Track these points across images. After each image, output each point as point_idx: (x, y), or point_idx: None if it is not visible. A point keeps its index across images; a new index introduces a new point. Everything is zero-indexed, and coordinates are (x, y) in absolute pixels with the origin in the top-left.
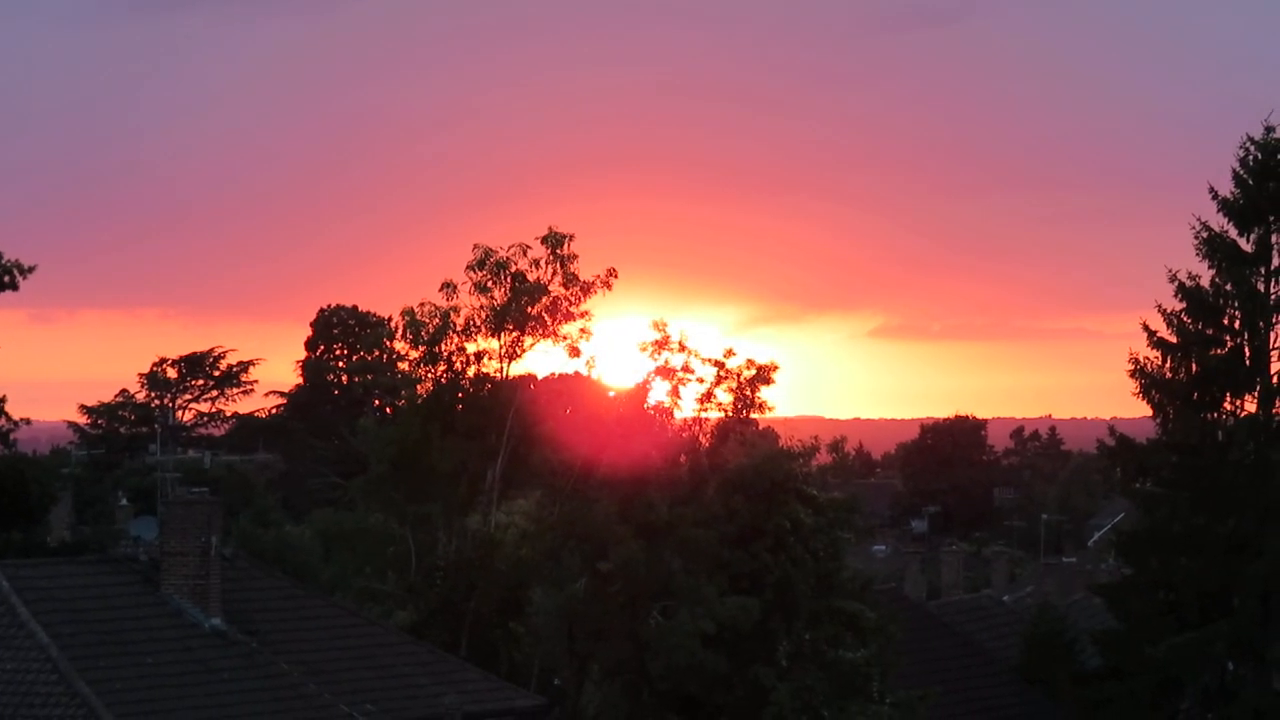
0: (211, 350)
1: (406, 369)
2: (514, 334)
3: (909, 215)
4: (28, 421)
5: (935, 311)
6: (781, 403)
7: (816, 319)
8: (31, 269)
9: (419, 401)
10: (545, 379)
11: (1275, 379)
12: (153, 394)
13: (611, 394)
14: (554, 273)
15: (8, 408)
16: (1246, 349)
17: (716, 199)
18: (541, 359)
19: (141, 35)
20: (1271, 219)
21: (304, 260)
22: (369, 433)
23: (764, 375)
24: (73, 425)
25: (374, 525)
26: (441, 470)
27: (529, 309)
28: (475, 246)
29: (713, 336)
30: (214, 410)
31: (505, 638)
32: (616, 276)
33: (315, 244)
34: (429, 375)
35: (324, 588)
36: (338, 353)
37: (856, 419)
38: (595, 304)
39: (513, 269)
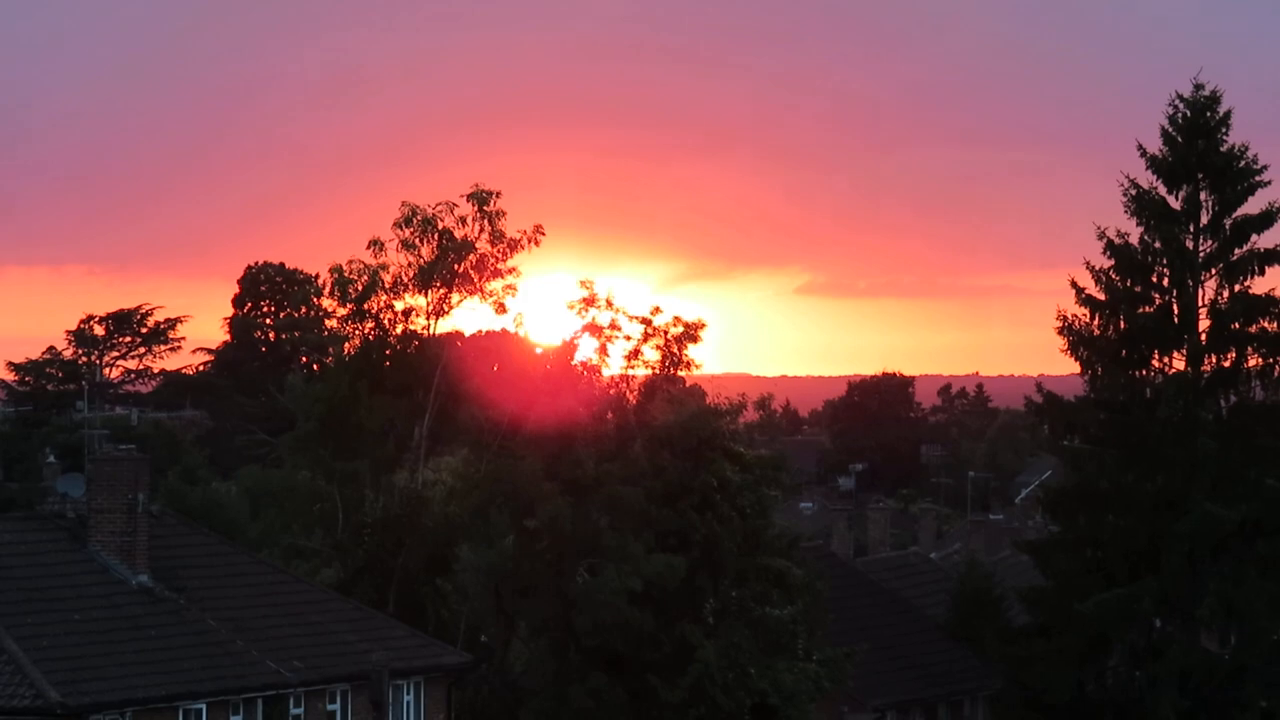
0: (139, 307)
1: (334, 326)
2: (441, 291)
3: (835, 171)
4: None
5: (862, 269)
6: (709, 360)
7: (743, 276)
8: None
9: (347, 359)
10: (473, 336)
11: (1203, 337)
12: (80, 351)
13: (539, 351)
14: (481, 230)
15: None
16: (1175, 306)
17: (643, 155)
18: (469, 316)
19: None
20: (1200, 176)
21: (231, 217)
22: (296, 390)
23: (691, 333)
24: (0, 382)
25: (301, 482)
26: (369, 427)
27: (456, 266)
28: (403, 204)
29: (640, 293)
30: (141, 367)
31: (433, 595)
32: (544, 234)
33: (242, 200)
34: (357, 332)
35: (251, 545)
36: (265, 310)
37: (784, 376)
38: (522, 261)
39: (440, 226)
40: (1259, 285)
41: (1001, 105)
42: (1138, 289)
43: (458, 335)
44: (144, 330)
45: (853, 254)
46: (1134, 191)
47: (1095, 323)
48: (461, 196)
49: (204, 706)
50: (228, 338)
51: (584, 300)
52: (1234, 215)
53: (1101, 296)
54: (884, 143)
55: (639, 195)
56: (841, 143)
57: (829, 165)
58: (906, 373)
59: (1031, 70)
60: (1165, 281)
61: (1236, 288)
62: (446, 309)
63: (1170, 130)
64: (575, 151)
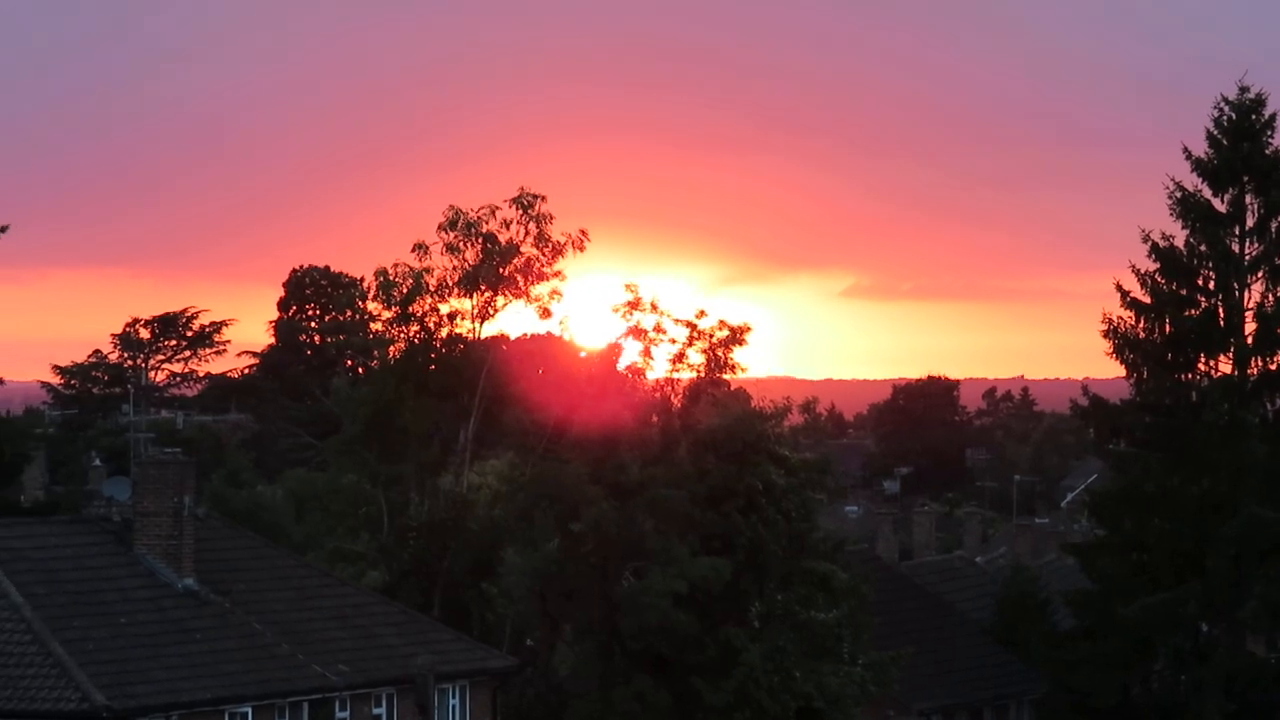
0: (184, 310)
1: (379, 329)
2: (486, 295)
3: (880, 175)
4: (0, 381)
5: (907, 271)
6: (754, 363)
7: (788, 279)
8: (3, 229)
9: (392, 362)
10: (518, 340)
11: (1249, 339)
12: (126, 354)
13: (584, 354)
14: (526, 233)
15: None
16: (1220, 309)
17: (689, 160)
18: (514, 320)
19: None
20: (1246, 179)
21: (277, 220)
22: (341, 393)
23: (736, 336)
24: (46, 385)
25: (346, 485)
26: (414, 431)
27: (501, 270)
28: (448, 208)
29: (685, 296)
30: (187, 371)
31: (478, 598)
32: (588, 238)
33: (288, 204)
34: (402, 336)
35: (296, 548)
36: (310, 313)
37: (829, 379)
38: (567, 265)
39: (484, 230)
40: None
41: (1047, 107)
42: (1183, 292)
43: (503, 338)
44: (189, 333)
45: (897, 257)
46: (1179, 194)
47: (1141, 326)
48: (506, 201)
49: (249, 710)
50: (273, 341)
51: (629, 304)
52: (1279, 218)
53: (1147, 300)
54: (927, 147)
55: (685, 200)
56: (885, 148)
57: (874, 170)
58: (951, 376)
59: (1078, 73)
60: (1211, 285)
61: None
62: (491, 312)
63: (1215, 133)
64: (621, 157)
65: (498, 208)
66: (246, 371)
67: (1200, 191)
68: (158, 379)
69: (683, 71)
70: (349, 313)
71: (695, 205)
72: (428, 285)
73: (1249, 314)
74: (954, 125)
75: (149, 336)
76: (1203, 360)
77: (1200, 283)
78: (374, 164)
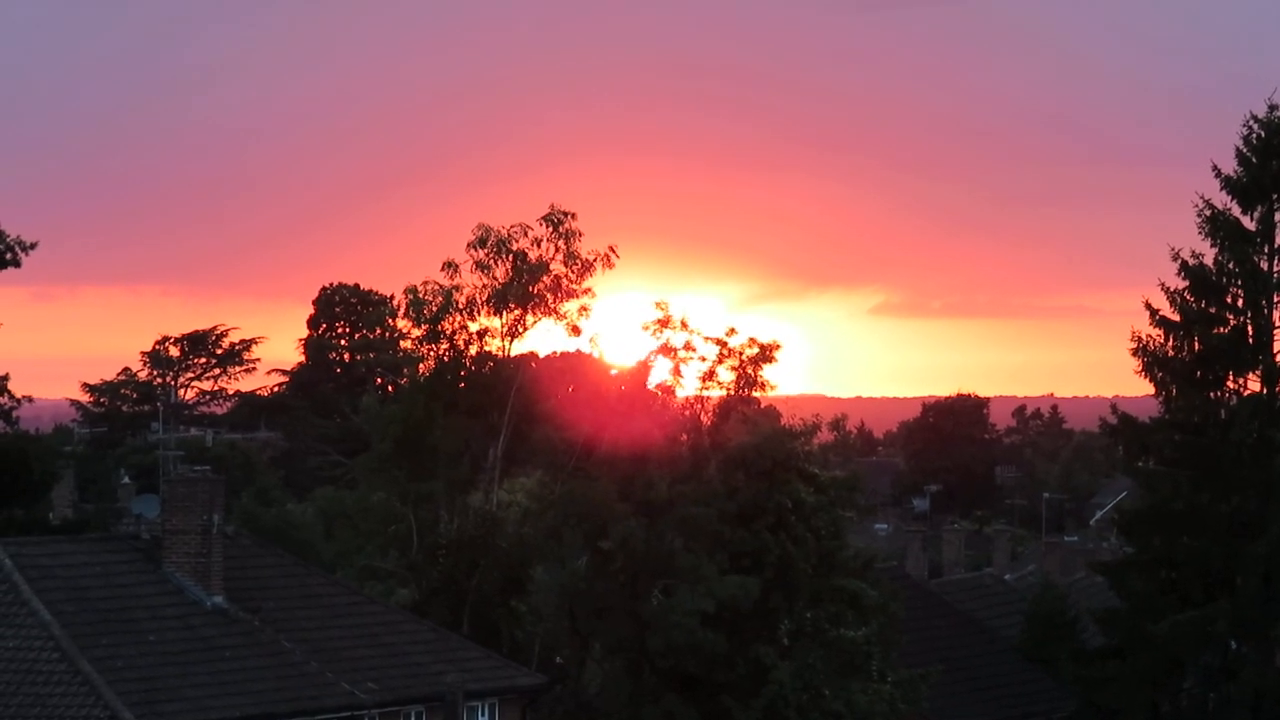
0: (214, 328)
1: (409, 347)
2: (516, 312)
3: (910, 192)
4: (30, 399)
5: (936, 289)
6: (783, 381)
7: (818, 296)
8: (33, 246)
9: (421, 380)
10: (547, 357)
11: (1278, 358)
12: (155, 372)
13: (613, 372)
14: (555, 251)
15: (10, 385)
16: (1249, 327)
17: (718, 177)
18: (543, 337)
19: (141, 10)
20: (1275, 197)
21: (307, 238)
22: (371, 411)
23: (766, 354)
24: (75, 403)
25: (376, 503)
26: (444, 448)
27: (531, 288)
28: (477, 226)
29: (714, 313)
30: (216, 388)
31: (507, 616)
32: (618, 255)
33: (318, 222)
34: (431, 353)
35: (326, 566)
36: (340, 331)
37: (858, 397)
38: (597, 282)
39: (514, 247)
40: None
41: (1078, 124)
42: (1212, 310)
43: (532, 356)
44: (219, 351)
45: (927, 274)
46: (1209, 212)
47: (1170, 344)
48: (536, 219)
49: None
50: (302, 359)
51: (658, 322)
52: None
53: (1176, 317)
54: (956, 165)
55: (713, 217)
56: (914, 166)
57: (903, 187)
58: (981, 394)
59: (1105, 91)
60: (1240, 302)
61: None
62: (521, 330)
63: (1245, 150)
64: (650, 174)
65: (528, 226)
66: (276, 389)
67: (1230, 209)
68: (187, 397)
69: (711, 88)
70: (379, 330)
71: (725, 222)
72: (457, 303)
73: (1278, 332)
74: (984, 142)
75: (178, 354)
76: (1231, 378)
77: (1229, 300)
78: (405, 182)
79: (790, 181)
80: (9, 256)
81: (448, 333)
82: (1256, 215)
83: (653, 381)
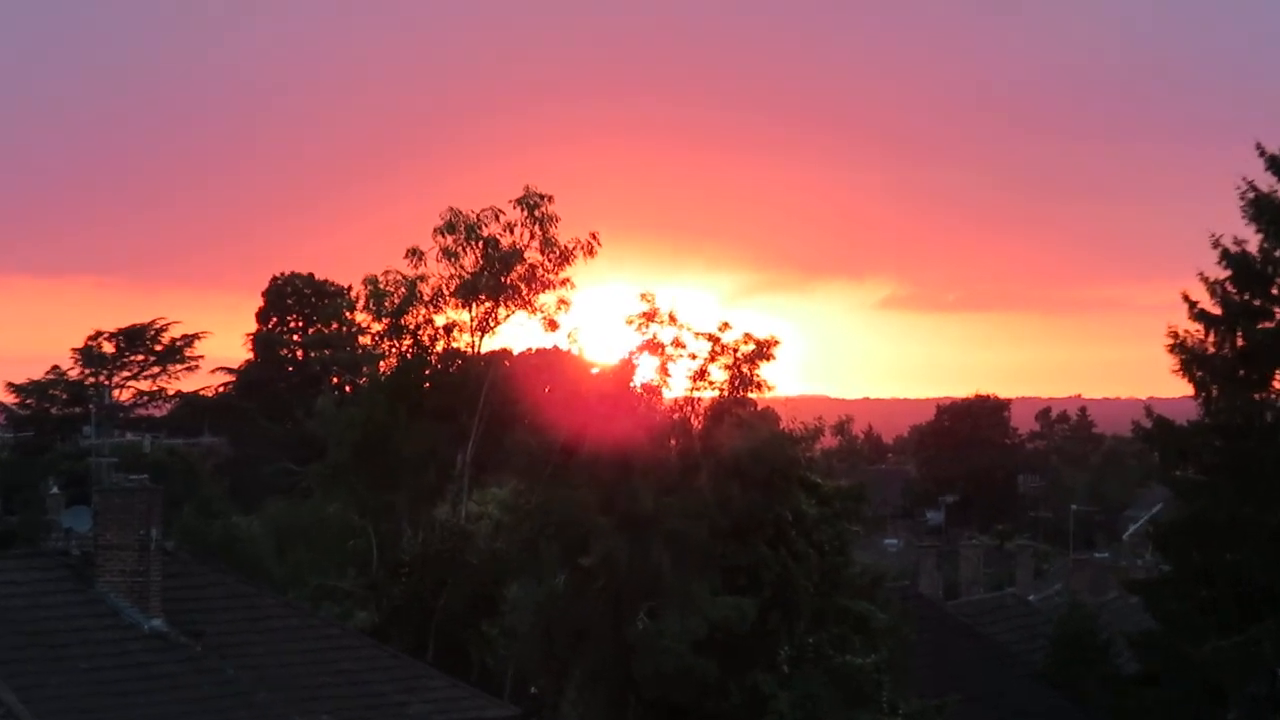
0: (152, 322)
1: (369, 343)
2: (487, 305)
3: (919, 175)
4: None
5: (951, 280)
6: (782, 381)
7: (820, 288)
8: None
9: (382, 379)
10: (522, 354)
11: None
12: (87, 371)
13: (594, 371)
14: (531, 237)
15: None
16: None
17: (708, 162)
18: (517, 332)
19: None
20: None
21: (257, 225)
22: (327, 414)
23: (763, 350)
24: None
25: (332, 516)
26: (407, 455)
27: (503, 277)
28: (447, 210)
29: (706, 307)
30: (155, 389)
31: (477, 640)
32: (599, 242)
33: (266, 206)
34: (394, 350)
35: (277, 586)
36: (292, 325)
37: (865, 398)
38: (576, 272)
39: (485, 233)
40: None
41: (1103, 102)
42: (1257, 302)
43: (505, 354)
44: (158, 348)
45: (941, 264)
46: (1252, 195)
47: (1210, 340)
48: (510, 202)
49: None
50: (250, 356)
51: (644, 315)
52: None
53: (1217, 311)
54: (973, 144)
55: (704, 200)
56: (931, 142)
57: (914, 168)
58: (1001, 395)
59: (1137, 64)
60: None
61: None
62: (492, 324)
63: None
64: (633, 152)
65: (500, 210)
66: (221, 390)
67: (1276, 191)
68: (122, 398)
69: (697, 63)
70: (335, 325)
71: (716, 210)
72: (422, 294)
73: None
74: (1001, 124)
75: (113, 351)
76: (1278, 377)
77: (1275, 292)
78: (367, 167)
79: (788, 163)
80: None
81: (411, 327)
82: None
83: (638, 381)
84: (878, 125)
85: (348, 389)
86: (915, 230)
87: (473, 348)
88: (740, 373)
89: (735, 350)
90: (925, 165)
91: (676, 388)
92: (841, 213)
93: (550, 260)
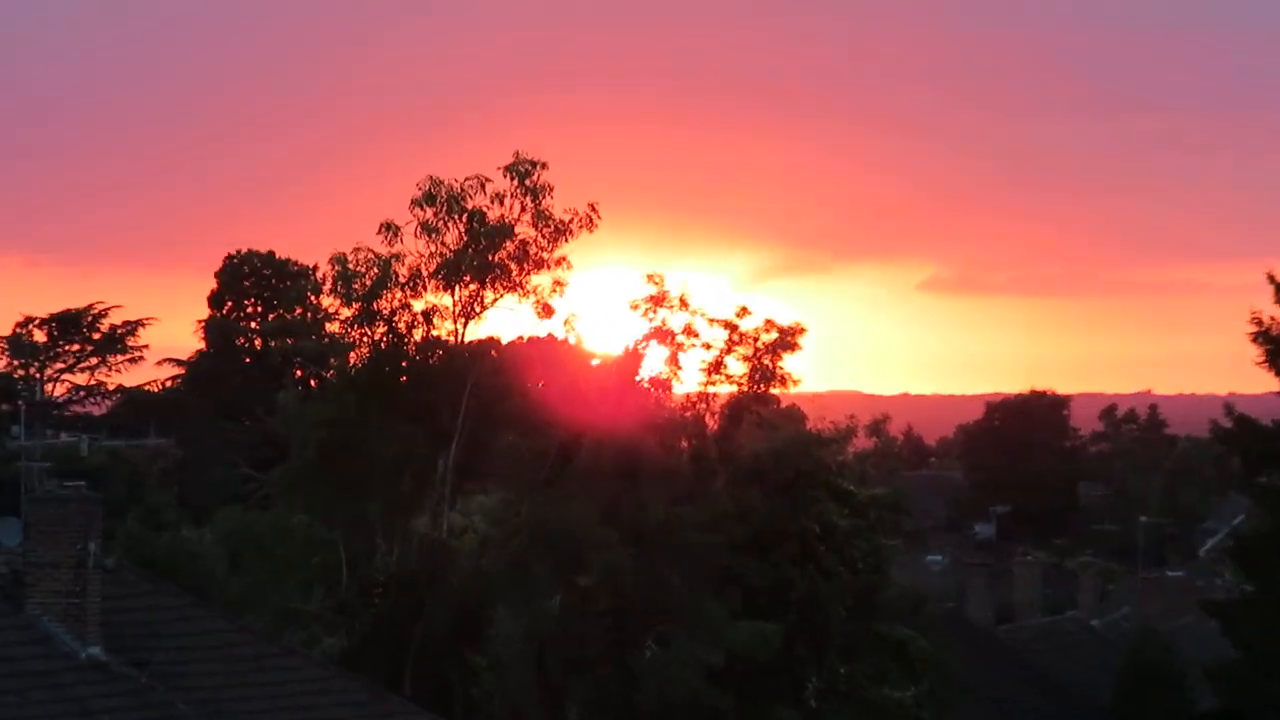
0: (90, 307)
1: (337, 331)
2: (472, 287)
3: (967, 141)
4: None
5: (1001, 260)
6: (809, 374)
7: (851, 269)
8: None
9: (353, 372)
10: (511, 344)
11: None
12: (15, 362)
13: (595, 363)
14: (521, 210)
15: None
16: None
17: (723, 123)
18: (506, 319)
19: None
20: None
21: (209, 197)
22: (290, 412)
23: (787, 339)
24: None
25: (296, 528)
26: (381, 459)
27: (490, 256)
28: (426, 179)
29: (722, 291)
30: (93, 383)
31: (460, 669)
32: (600, 216)
33: (222, 177)
34: (365, 339)
35: (232, 607)
36: (250, 310)
37: (904, 394)
38: (574, 249)
39: (469, 205)
40: None
41: (1174, 67)
42: None
43: (492, 343)
44: (96, 336)
45: (990, 241)
46: None
47: None
48: (498, 169)
49: None
50: (202, 346)
51: (652, 299)
52: None
53: None
54: (1027, 107)
55: (719, 172)
56: (972, 108)
57: (959, 134)
58: (1060, 391)
59: (1209, 28)
60: None
61: None
62: (478, 309)
63: None
64: (638, 119)
65: (487, 179)
66: (169, 384)
67: None
68: (56, 393)
69: (709, 32)
70: (299, 310)
71: (733, 183)
72: (398, 275)
73: None
74: (1058, 82)
75: (45, 340)
76: None
77: None
78: (340, 139)
79: (815, 129)
80: None
81: (386, 313)
82: None
83: (644, 375)
84: (917, 89)
85: (313, 383)
86: (960, 204)
87: (456, 336)
88: (761, 365)
89: (755, 339)
90: (973, 132)
91: (688, 382)
92: (873, 184)
93: (544, 236)
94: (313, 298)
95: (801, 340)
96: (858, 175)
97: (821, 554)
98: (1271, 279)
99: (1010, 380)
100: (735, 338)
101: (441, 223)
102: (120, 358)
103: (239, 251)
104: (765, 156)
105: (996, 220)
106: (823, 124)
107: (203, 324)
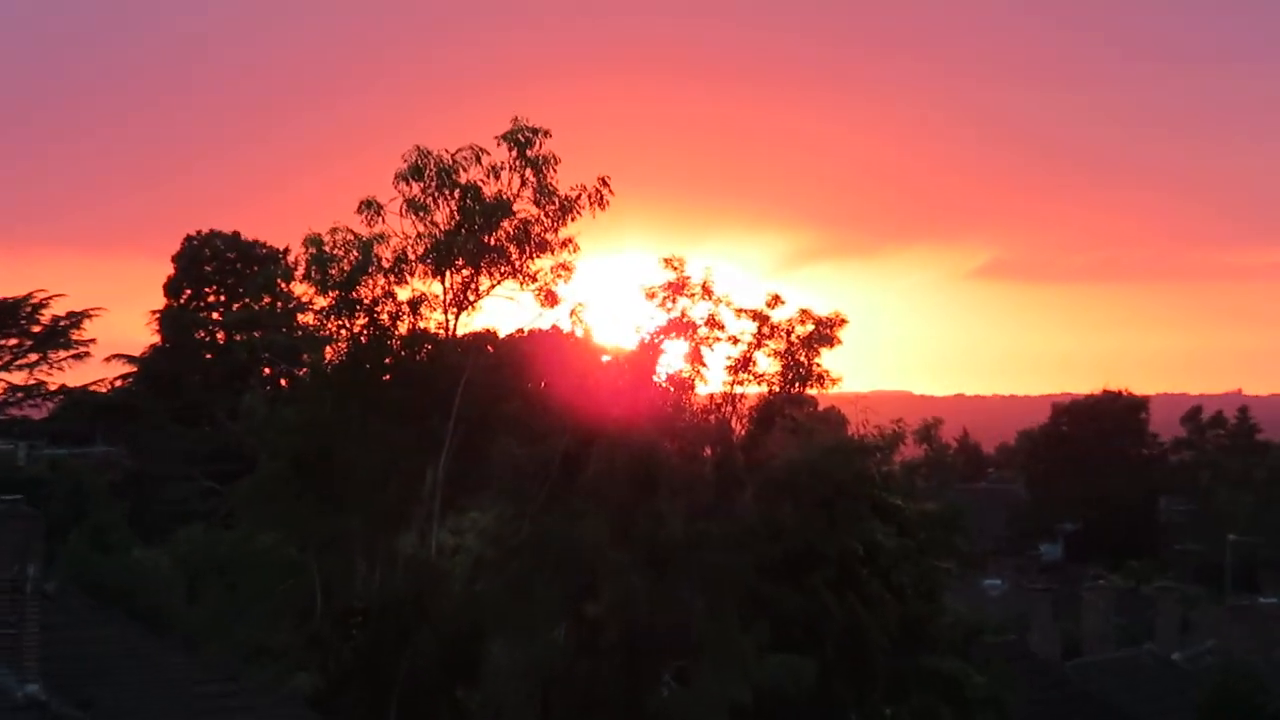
0: (29, 296)
1: (311, 323)
2: (465, 273)
3: (1025, 112)
4: None
5: (1070, 241)
6: (850, 372)
7: (897, 254)
8: None
9: (329, 370)
10: (510, 337)
11: None
12: None
13: (606, 359)
14: (522, 185)
15: None
16: None
17: (752, 95)
18: (505, 309)
19: None
20: None
21: (165, 169)
22: (257, 416)
23: (824, 332)
24: None
25: (264, 549)
26: (362, 469)
27: (486, 236)
28: (413, 149)
29: (750, 278)
30: (32, 382)
31: (451, 709)
32: (612, 191)
33: (183, 147)
34: (344, 332)
35: (191, 639)
36: (212, 300)
37: (958, 395)
38: (582, 230)
39: (462, 179)
40: None
41: (1259, 15)
42: None
43: (489, 336)
44: (35, 329)
45: (1056, 222)
46: None
47: None
48: (494, 139)
49: None
50: (157, 340)
51: (670, 286)
52: None
53: None
54: (1093, 74)
55: (746, 147)
56: (1038, 72)
57: (1017, 105)
58: (1137, 390)
59: None
60: None
61: None
62: (472, 298)
63: None
64: (655, 91)
65: (483, 149)
66: (119, 384)
67: None
68: None
69: None
70: (268, 299)
71: (762, 158)
72: (381, 259)
73: None
74: (1133, 43)
75: None
76: None
77: None
78: (315, 102)
79: (854, 102)
80: None
81: (367, 302)
82: None
83: (662, 372)
84: (973, 53)
85: (284, 383)
86: (1022, 180)
87: (447, 328)
88: (795, 361)
89: (789, 332)
90: (1036, 101)
91: (712, 381)
92: (925, 158)
93: (548, 214)
94: (283, 285)
95: (841, 333)
96: (904, 152)
97: (864, 578)
98: None
99: (1080, 379)
100: (766, 330)
101: (430, 199)
102: (63, 354)
103: (199, 232)
104: (801, 133)
105: (1064, 196)
106: (864, 98)
107: (157, 315)
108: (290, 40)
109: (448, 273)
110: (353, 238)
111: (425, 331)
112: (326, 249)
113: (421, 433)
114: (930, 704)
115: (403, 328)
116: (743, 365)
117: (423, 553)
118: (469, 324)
